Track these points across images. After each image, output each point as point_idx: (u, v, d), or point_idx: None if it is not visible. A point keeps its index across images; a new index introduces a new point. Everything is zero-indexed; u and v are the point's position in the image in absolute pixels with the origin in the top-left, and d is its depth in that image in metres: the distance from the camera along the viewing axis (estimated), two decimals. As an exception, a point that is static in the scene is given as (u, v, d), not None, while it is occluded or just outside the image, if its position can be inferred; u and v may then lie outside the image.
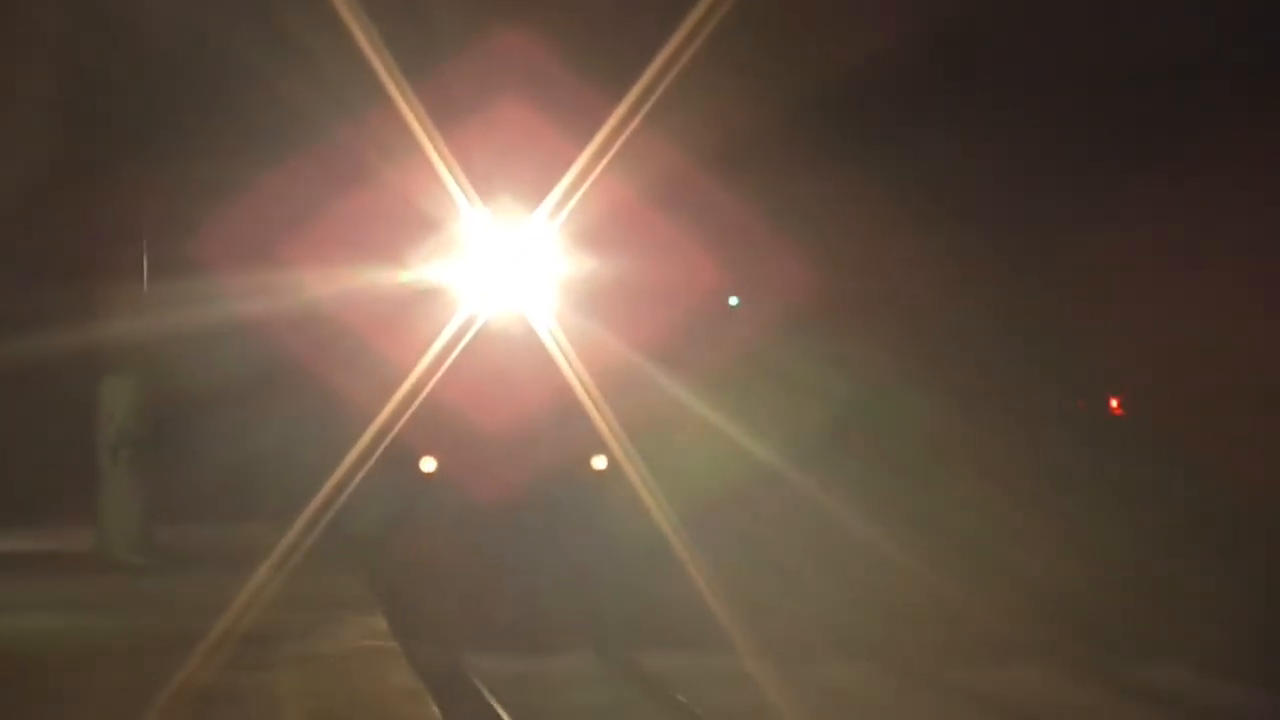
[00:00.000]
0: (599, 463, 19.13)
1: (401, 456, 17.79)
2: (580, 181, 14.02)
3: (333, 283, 18.89)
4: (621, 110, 13.07)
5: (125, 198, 20.36)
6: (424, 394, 15.56)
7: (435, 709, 10.60)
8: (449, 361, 15.94)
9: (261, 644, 12.06)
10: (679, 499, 16.55)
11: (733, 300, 22.59)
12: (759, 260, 22.72)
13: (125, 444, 19.15)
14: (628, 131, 13.46)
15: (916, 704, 14.33)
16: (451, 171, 14.94)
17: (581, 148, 13.91)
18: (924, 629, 16.76)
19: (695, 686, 14.23)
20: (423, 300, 18.35)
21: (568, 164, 14.25)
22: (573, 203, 14.45)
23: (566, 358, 17.17)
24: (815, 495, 20.44)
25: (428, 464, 19.02)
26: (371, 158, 18.31)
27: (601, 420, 17.13)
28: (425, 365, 15.38)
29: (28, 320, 19.13)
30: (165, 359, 19.52)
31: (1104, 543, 19.50)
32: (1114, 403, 26.87)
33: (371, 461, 15.18)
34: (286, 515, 15.30)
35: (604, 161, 13.77)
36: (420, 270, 18.68)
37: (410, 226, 18.32)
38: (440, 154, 14.70)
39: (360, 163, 18.75)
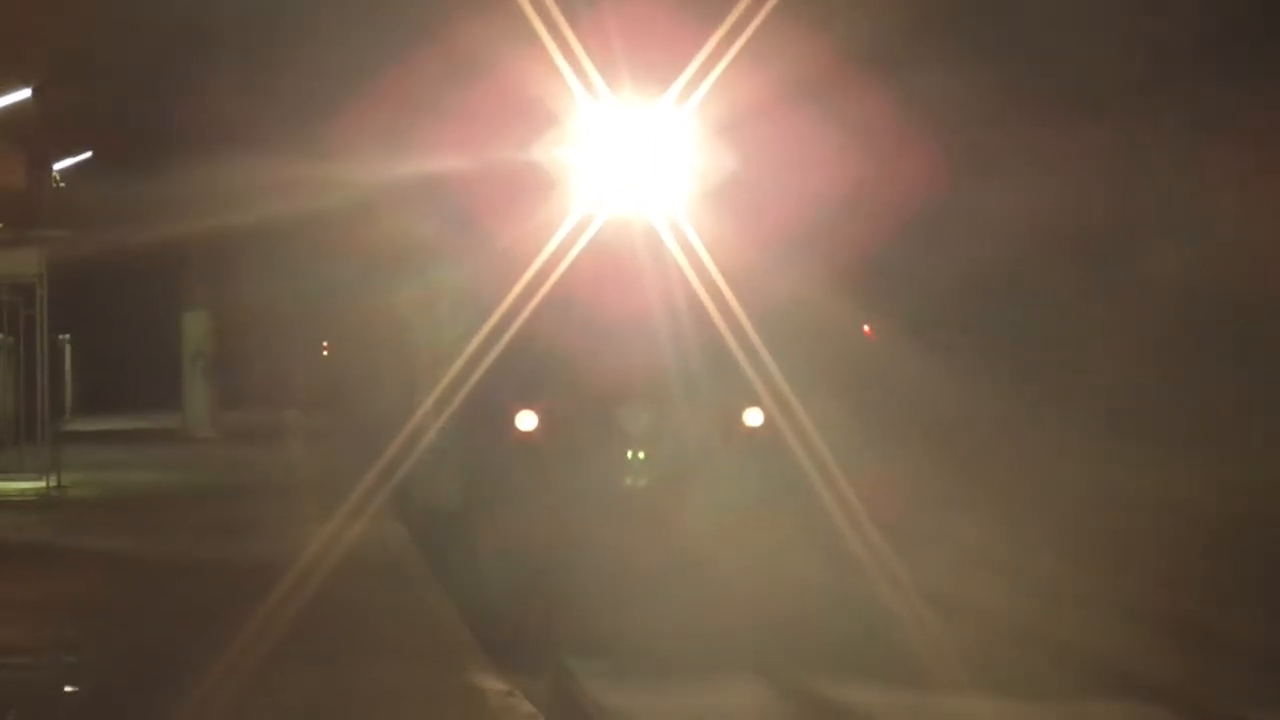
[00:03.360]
0: (753, 418, 14.41)
1: (489, 409, 14.09)
2: (710, 66, 13.11)
3: (442, 171, 17.20)
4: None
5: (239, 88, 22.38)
6: (523, 324, 13.00)
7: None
8: (557, 278, 13.04)
9: (289, 491, 17.03)
10: (854, 466, 12.93)
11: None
12: (895, 157, 21.60)
13: (199, 356, 30.10)
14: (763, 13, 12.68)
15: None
16: (573, 56, 14.02)
17: (713, 30, 13.11)
18: (1202, 646, 12.32)
19: None
20: (538, 195, 14.56)
21: (697, 48, 13.40)
22: (703, 89, 13.45)
23: (707, 281, 13.46)
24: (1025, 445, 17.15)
25: (525, 420, 14.42)
26: (492, 41, 17.37)
27: (754, 363, 13.42)
28: (528, 282, 13.11)
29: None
30: (230, 296, 29.35)
31: None
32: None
33: (449, 414, 12.86)
34: (316, 406, 22.61)
35: (737, 45, 12.95)
36: (538, 162, 16.81)
37: (530, 115, 16.98)
38: (562, 39, 13.84)
39: (480, 48, 17.81)
